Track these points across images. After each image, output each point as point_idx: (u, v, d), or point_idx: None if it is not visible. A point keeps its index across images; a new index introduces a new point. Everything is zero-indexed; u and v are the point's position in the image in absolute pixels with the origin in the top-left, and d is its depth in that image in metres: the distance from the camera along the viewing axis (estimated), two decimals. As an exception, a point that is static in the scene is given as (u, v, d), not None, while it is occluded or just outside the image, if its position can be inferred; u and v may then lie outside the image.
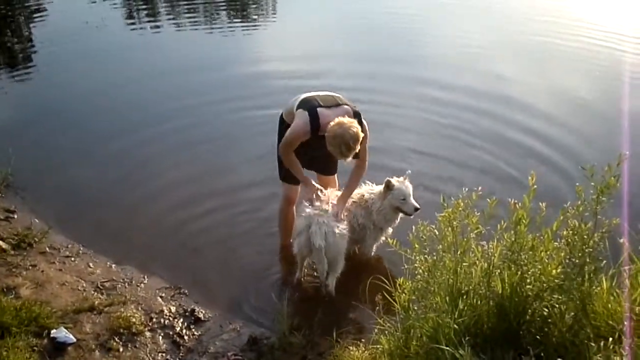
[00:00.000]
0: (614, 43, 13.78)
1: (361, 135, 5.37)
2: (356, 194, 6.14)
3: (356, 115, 5.61)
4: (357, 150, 5.41)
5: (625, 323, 3.54)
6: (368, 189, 6.21)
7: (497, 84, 11.16)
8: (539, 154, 8.53)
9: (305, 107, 5.61)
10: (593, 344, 3.49)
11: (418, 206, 5.92)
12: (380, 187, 6.07)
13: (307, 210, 5.66)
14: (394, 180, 5.98)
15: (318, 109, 5.56)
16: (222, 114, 9.73)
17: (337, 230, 5.55)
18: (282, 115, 5.97)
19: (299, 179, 5.95)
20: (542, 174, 7.45)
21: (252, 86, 10.82)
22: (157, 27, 15.15)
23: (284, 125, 5.91)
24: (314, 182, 5.97)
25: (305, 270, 6.07)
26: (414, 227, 4.34)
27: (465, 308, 3.99)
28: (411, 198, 5.97)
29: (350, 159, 5.51)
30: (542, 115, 9.78)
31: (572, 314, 3.79)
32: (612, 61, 12.61)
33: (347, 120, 5.36)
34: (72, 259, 6.32)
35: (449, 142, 8.98)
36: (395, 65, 11.98)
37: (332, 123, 5.37)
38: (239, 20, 16.11)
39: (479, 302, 4.02)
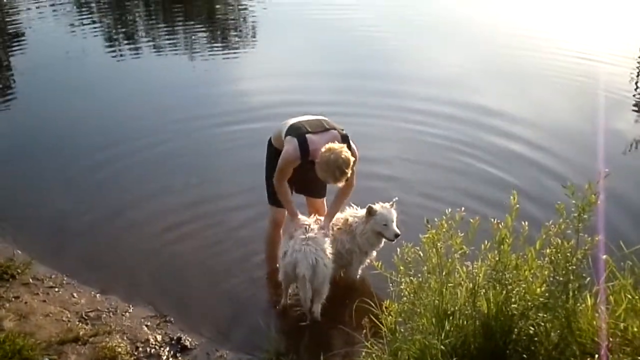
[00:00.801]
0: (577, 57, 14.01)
1: (352, 159, 5.43)
2: (340, 218, 6.17)
3: (344, 138, 5.66)
4: (349, 175, 5.46)
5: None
6: (352, 213, 6.24)
7: (472, 96, 11.46)
8: (521, 168, 8.73)
9: (294, 134, 5.65)
10: (579, 361, 3.52)
11: (399, 232, 5.96)
12: (364, 211, 6.11)
13: (295, 236, 5.68)
14: (377, 206, 6.04)
15: (307, 135, 5.60)
16: (205, 136, 9.81)
17: (323, 260, 5.58)
18: (270, 140, 6.02)
19: (288, 211, 5.97)
20: (527, 189, 7.64)
21: (232, 103, 11.00)
22: (137, 54, 15.15)
23: (272, 149, 5.99)
24: (300, 217, 5.95)
25: (291, 295, 6.06)
26: (398, 249, 4.36)
27: (452, 329, 3.99)
28: (393, 224, 6.01)
29: (341, 183, 5.56)
30: (522, 133, 9.91)
31: (558, 331, 3.79)
32: (583, 75, 12.80)
33: (337, 146, 5.42)
34: (56, 289, 6.27)
35: (433, 152, 9.31)
36: (374, 81, 12.22)
37: (322, 149, 5.42)
38: (219, 44, 16.14)
39: (465, 323, 4.02)
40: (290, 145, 5.64)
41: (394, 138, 9.81)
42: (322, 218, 5.99)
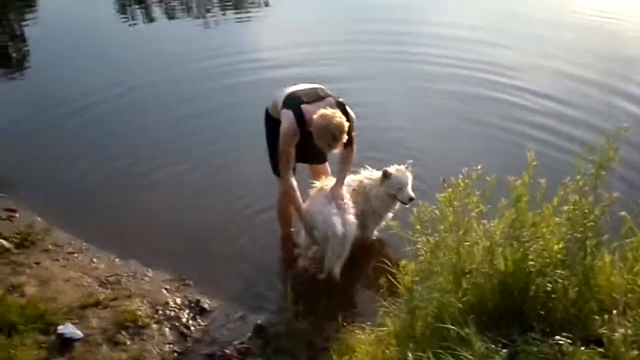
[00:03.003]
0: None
1: (346, 124, 5.34)
2: (355, 180, 6.14)
3: (340, 105, 5.57)
4: (344, 140, 5.40)
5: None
6: (367, 175, 6.21)
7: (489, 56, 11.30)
8: (538, 129, 8.59)
9: (289, 106, 5.57)
10: (597, 317, 3.51)
11: (413, 196, 5.91)
12: (379, 174, 6.08)
13: (321, 201, 5.69)
14: (392, 169, 5.99)
15: (302, 106, 5.52)
16: (221, 104, 9.73)
17: (352, 219, 5.60)
18: (267, 110, 5.94)
19: (294, 206, 5.90)
20: (542, 150, 7.48)
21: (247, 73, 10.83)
22: (152, 20, 15.11)
23: (270, 119, 5.91)
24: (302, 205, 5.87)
25: (309, 257, 6.07)
26: (415, 209, 4.34)
27: (469, 287, 4.01)
28: (408, 187, 5.96)
29: (338, 150, 5.52)
30: (539, 90, 9.82)
31: (576, 288, 3.79)
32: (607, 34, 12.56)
33: (329, 111, 5.34)
34: (76, 255, 6.33)
35: (447, 119, 9.14)
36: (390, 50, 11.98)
37: (315, 116, 5.35)
38: (233, 10, 15.99)
39: (482, 281, 4.02)
40: (286, 121, 5.55)
41: (409, 101, 9.75)
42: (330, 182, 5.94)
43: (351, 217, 5.63)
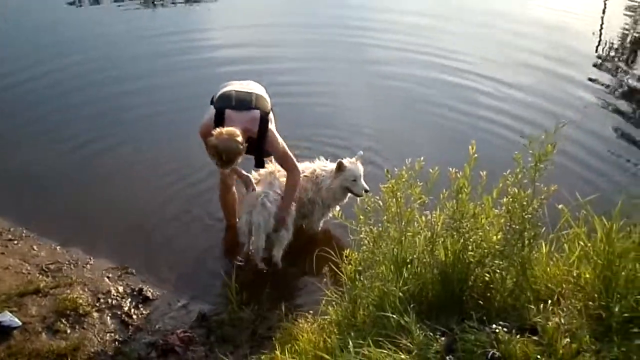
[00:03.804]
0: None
1: (240, 148, 5.25)
2: (309, 168, 6.17)
3: (263, 122, 5.51)
4: (234, 164, 5.37)
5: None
6: (321, 165, 6.23)
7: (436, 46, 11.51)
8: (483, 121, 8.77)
9: (216, 105, 5.55)
10: (533, 307, 3.59)
11: (367, 188, 5.94)
12: (333, 166, 6.10)
13: (254, 197, 5.73)
14: (346, 161, 6.02)
15: (226, 111, 5.47)
16: (173, 84, 9.68)
17: (272, 208, 5.68)
18: (212, 98, 5.85)
19: (226, 192, 6.02)
20: (484, 142, 7.60)
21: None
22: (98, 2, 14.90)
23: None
24: (243, 173, 5.90)
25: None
26: (359, 200, 4.38)
27: (410, 276, 4.06)
28: (361, 179, 6.01)
29: (227, 170, 5.56)
30: (482, 85, 9.99)
31: (513, 278, 3.88)
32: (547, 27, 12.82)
33: (226, 131, 5.24)
34: (15, 242, 6.21)
35: (396, 103, 9.44)
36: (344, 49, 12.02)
37: (213, 133, 5.26)
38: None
39: (423, 271, 4.08)
40: (207, 117, 5.56)
41: (358, 91, 9.84)
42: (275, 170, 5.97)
43: (271, 203, 5.69)
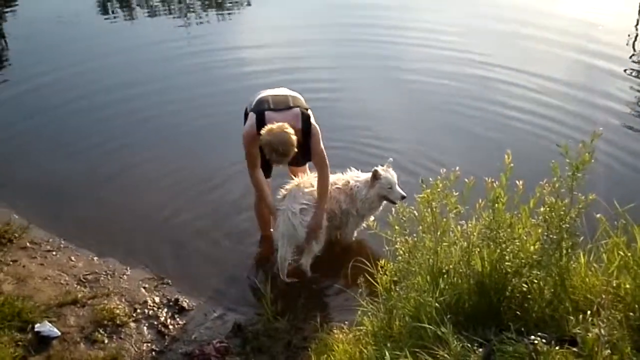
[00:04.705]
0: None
1: (294, 139, 5.30)
2: (341, 179, 6.16)
3: (305, 118, 5.58)
4: (292, 155, 5.38)
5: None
6: (353, 176, 6.21)
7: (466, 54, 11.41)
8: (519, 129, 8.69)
9: (255, 110, 5.62)
10: (572, 318, 3.55)
11: (404, 194, 5.93)
12: (366, 175, 6.10)
13: (281, 209, 5.81)
14: (380, 169, 6.02)
15: (266, 113, 5.53)
16: (201, 102, 9.67)
17: (301, 217, 5.73)
18: (245, 109, 5.94)
19: (265, 205, 6.01)
20: (522, 149, 7.51)
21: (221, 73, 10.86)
22: (131, 17, 15.06)
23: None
24: (274, 207, 5.93)
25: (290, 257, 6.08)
26: (393, 209, 4.37)
27: (446, 287, 4.04)
28: (397, 186, 6.01)
29: (284, 164, 5.61)
30: (517, 93, 9.87)
31: (551, 289, 3.83)
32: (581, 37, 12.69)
33: (276, 125, 5.31)
34: (54, 253, 6.30)
35: (427, 112, 9.37)
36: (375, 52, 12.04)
37: (262, 131, 5.34)
38: (214, 9, 15.92)
39: (459, 281, 4.06)
40: (248, 124, 5.61)
41: (386, 98, 9.86)
42: (307, 180, 5.98)
43: (299, 214, 5.73)
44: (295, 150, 5.37)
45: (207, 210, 7.01)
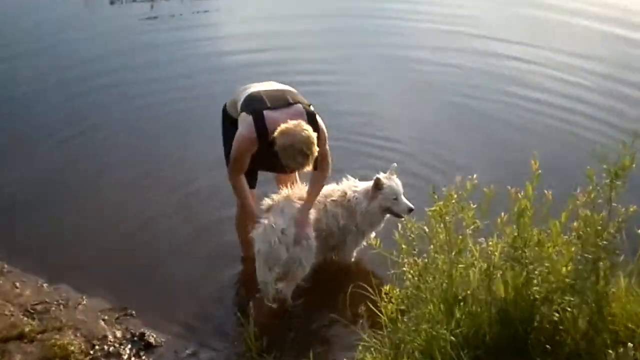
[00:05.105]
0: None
1: (314, 136, 5.33)
2: (336, 190, 6.18)
3: (310, 115, 5.59)
4: (315, 155, 5.40)
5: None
6: (351, 186, 6.23)
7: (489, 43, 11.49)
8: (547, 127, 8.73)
9: (249, 110, 5.57)
10: (611, 351, 3.57)
11: (412, 206, 5.98)
12: (365, 184, 6.14)
13: (262, 222, 5.73)
14: (383, 177, 6.04)
15: (264, 112, 5.51)
16: (168, 104, 9.74)
17: (286, 237, 5.66)
18: (225, 107, 5.98)
19: (246, 212, 5.97)
20: (551, 153, 7.54)
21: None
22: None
23: (227, 118, 5.97)
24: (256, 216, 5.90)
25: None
26: (400, 225, 4.39)
27: (463, 317, 4.05)
28: (403, 196, 6.04)
29: (309, 167, 5.51)
30: (547, 86, 9.96)
31: (587, 317, 3.86)
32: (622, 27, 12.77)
33: (291, 124, 5.32)
34: (-5, 279, 6.31)
35: (438, 108, 9.43)
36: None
37: (276, 133, 5.32)
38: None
39: (478, 310, 4.08)
40: (244, 127, 5.57)
41: (391, 89, 9.93)
42: (297, 192, 5.99)
43: (284, 233, 5.66)
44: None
45: (179, 225, 7.04)
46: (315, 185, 5.88)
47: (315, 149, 5.35)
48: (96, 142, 8.62)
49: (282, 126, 5.32)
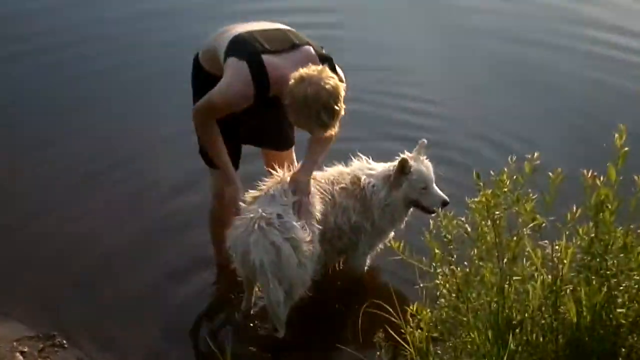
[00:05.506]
0: None
1: (342, 86, 5.26)
2: (346, 175, 6.10)
3: (324, 59, 5.52)
4: (342, 114, 5.31)
5: None
6: (364, 168, 6.16)
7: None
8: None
9: (241, 54, 5.44)
10: None
11: (446, 198, 5.95)
12: (384, 166, 6.09)
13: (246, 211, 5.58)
14: (410, 157, 5.96)
15: (263, 57, 5.42)
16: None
17: (292, 236, 5.45)
18: (197, 57, 5.86)
19: (223, 175, 5.79)
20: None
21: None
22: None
23: (201, 74, 5.83)
24: (237, 182, 5.79)
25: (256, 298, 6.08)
26: (431, 221, 4.36)
27: (520, 348, 4.04)
28: (434, 185, 6.00)
29: (334, 129, 5.43)
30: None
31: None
32: None
33: (313, 69, 5.23)
34: None
35: (484, 75, 9.35)
36: None
37: (291, 80, 5.21)
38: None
39: (541, 339, 4.07)
40: (236, 76, 5.43)
41: (418, 37, 10.00)
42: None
43: (290, 237, 5.46)
44: None
45: (124, 227, 7.07)
46: (320, 140, 5.72)
47: (342, 105, 5.27)
48: (27, 120, 8.67)
49: (302, 71, 5.22)
